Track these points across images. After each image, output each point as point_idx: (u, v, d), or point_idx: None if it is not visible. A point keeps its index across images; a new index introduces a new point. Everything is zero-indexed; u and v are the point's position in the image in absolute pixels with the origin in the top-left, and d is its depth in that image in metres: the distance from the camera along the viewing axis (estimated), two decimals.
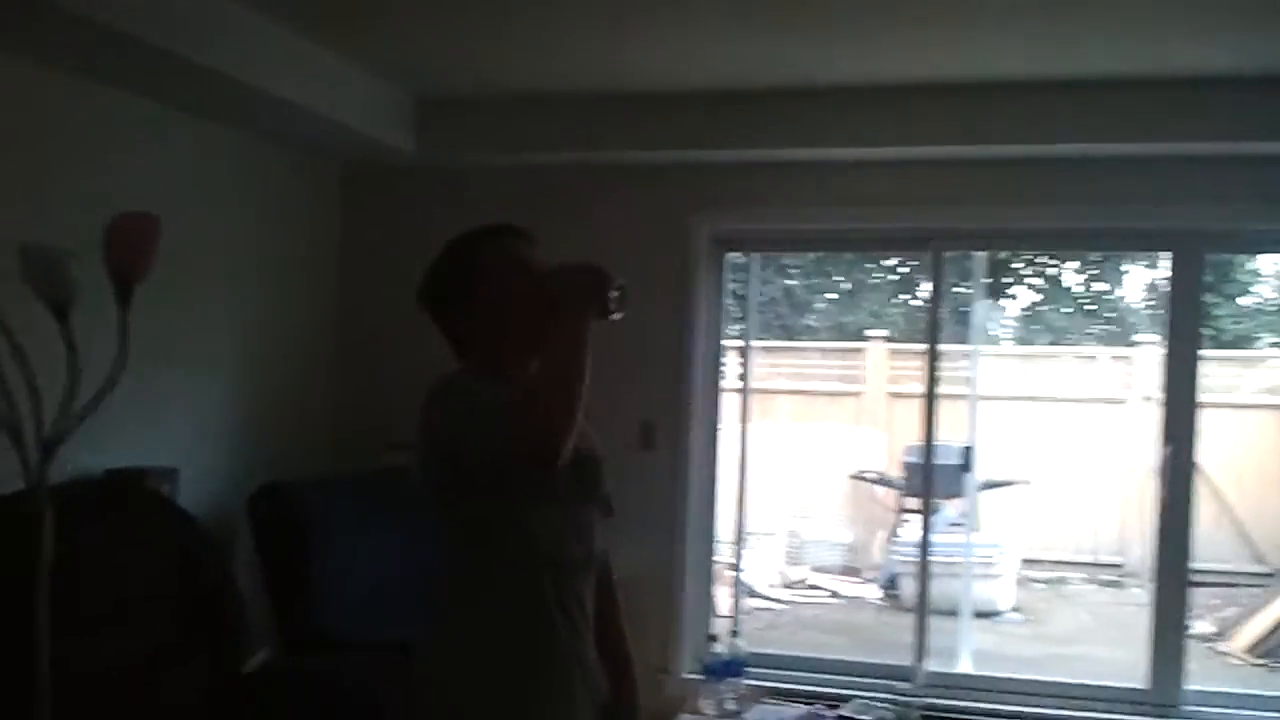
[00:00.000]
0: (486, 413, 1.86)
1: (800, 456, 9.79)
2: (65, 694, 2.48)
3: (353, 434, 4.53)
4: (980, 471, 8.12)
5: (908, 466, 8.86)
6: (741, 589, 5.29)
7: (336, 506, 3.91)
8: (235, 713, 3.13)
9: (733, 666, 4.24)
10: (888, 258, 11.40)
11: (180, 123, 3.78)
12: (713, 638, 4.36)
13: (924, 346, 4.62)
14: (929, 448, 4.59)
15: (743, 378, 5.06)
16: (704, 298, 4.56)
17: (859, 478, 9.95)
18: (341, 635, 3.59)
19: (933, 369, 4.52)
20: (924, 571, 4.61)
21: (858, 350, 11.09)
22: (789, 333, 11.82)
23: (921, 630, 4.45)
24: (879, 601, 8.84)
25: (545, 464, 1.81)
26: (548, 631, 1.98)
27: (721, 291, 4.70)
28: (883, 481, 9.74)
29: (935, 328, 4.55)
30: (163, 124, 3.70)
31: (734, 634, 4.42)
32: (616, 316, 1.96)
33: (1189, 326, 4.26)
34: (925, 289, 4.72)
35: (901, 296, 12.12)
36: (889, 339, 11.11)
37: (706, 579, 4.64)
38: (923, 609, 4.52)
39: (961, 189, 4.27)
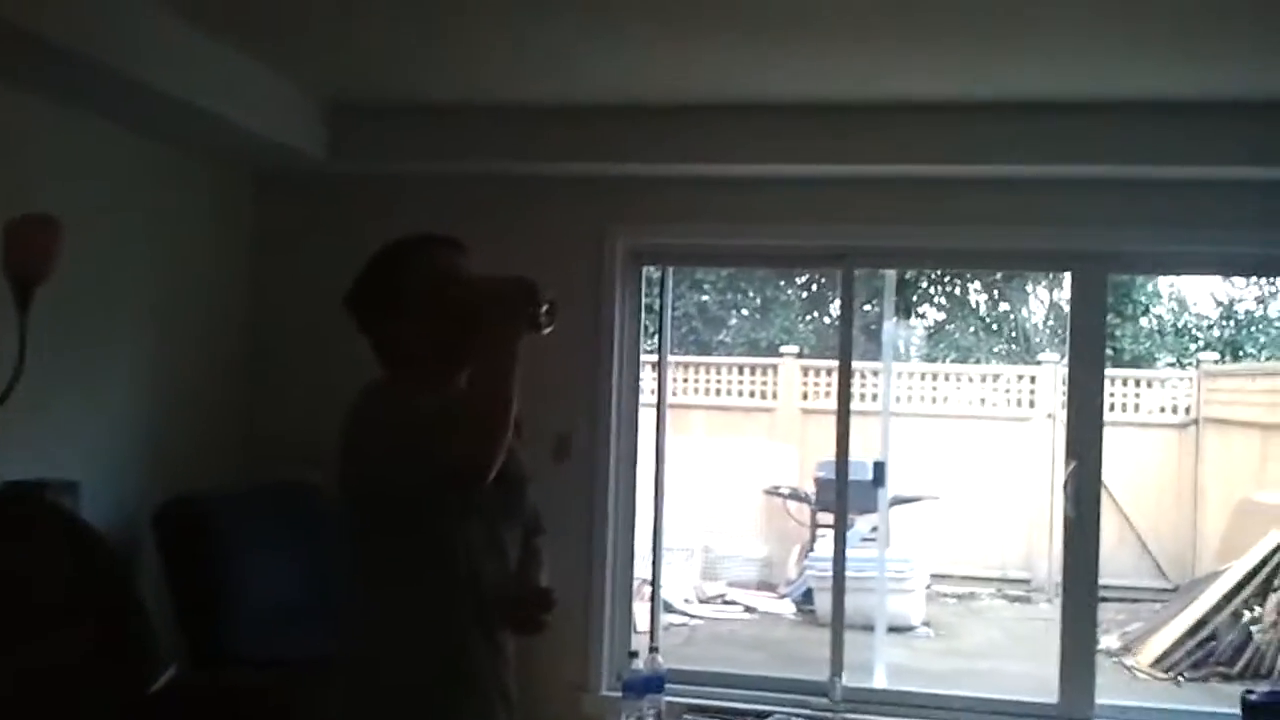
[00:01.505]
0: (411, 428, 1.83)
1: (715, 471, 9.83)
2: None
3: (263, 446, 4.44)
4: (891, 487, 8.25)
5: (820, 482, 8.94)
6: (660, 604, 5.27)
7: (245, 521, 3.83)
8: None
9: (653, 683, 4.23)
10: (801, 274, 11.54)
11: (84, 127, 3.66)
12: (633, 654, 4.35)
13: (835, 363, 4.68)
14: (842, 463, 4.64)
15: (658, 392, 5.06)
16: (620, 310, 4.55)
17: (773, 493, 10.03)
18: (250, 652, 3.51)
19: (845, 385, 4.57)
20: (839, 586, 4.64)
21: (771, 366, 11.20)
22: (703, 348, 11.89)
23: (837, 645, 4.49)
24: (794, 616, 8.89)
25: (472, 482, 1.79)
26: (466, 651, 1.96)
27: (638, 304, 4.70)
28: (796, 496, 9.83)
29: (847, 344, 4.60)
30: (64, 127, 3.58)
31: (653, 650, 4.41)
32: (546, 330, 1.96)
33: (1091, 345, 4.38)
34: (836, 306, 4.78)
35: (813, 313, 12.27)
36: (801, 355, 11.24)
37: (626, 594, 4.62)
38: (838, 624, 4.55)
39: (873, 207, 4.33)
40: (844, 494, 4.80)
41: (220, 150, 4.24)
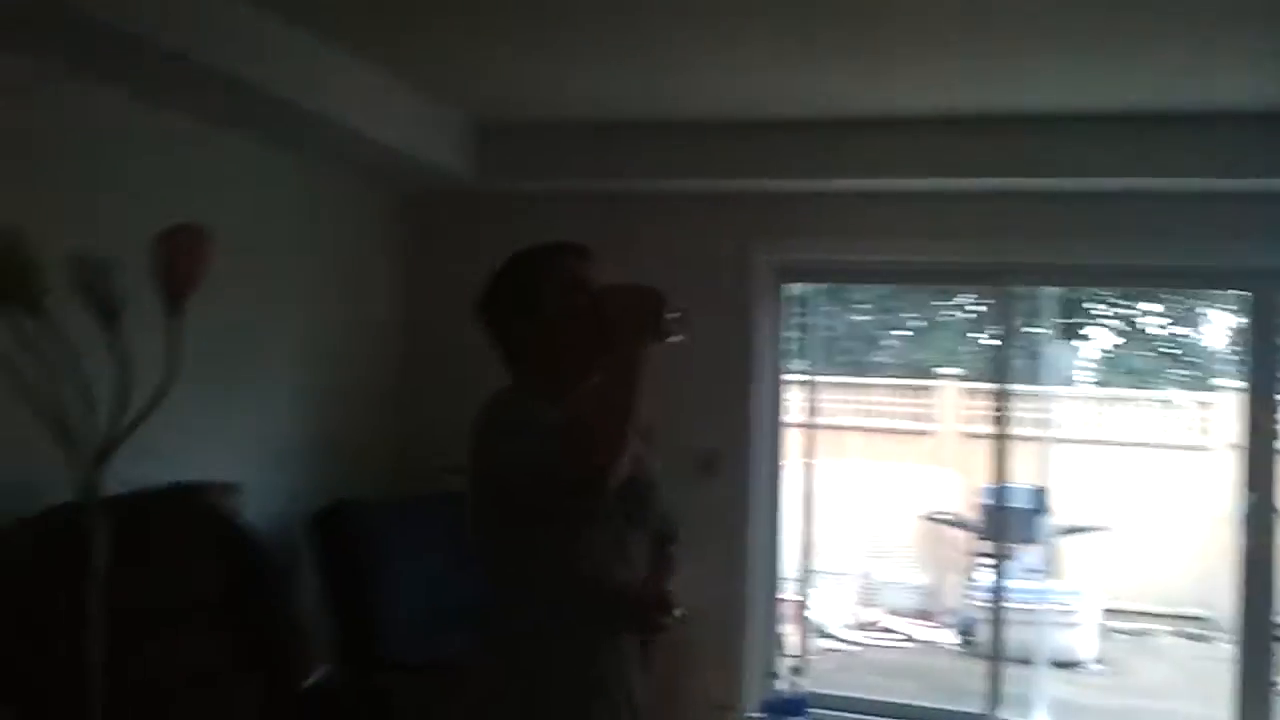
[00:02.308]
0: (535, 437, 1.83)
1: (872, 495, 9.58)
2: (121, 703, 2.49)
3: (416, 456, 4.55)
4: (1059, 516, 7.92)
5: (983, 509, 8.66)
6: (811, 628, 5.19)
7: (399, 527, 3.93)
8: None
9: (793, 705, 4.16)
10: (953, 293, 11.23)
11: (243, 147, 3.83)
12: (773, 675, 4.29)
13: (995, 386, 4.53)
14: (999, 490, 4.50)
15: (807, 411, 4.98)
16: (765, 327, 4.52)
17: (932, 519, 9.74)
18: (403, 654, 3.60)
19: (1002, 409, 4.43)
20: (998, 618, 4.49)
21: (930, 388, 10.90)
22: (859, 369, 11.64)
23: (996, 678, 4.33)
24: (954, 647, 8.61)
25: (590, 493, 1.79)
26: (590, 656, 1.96)
27: (783, 322, 4.66)
28: (956, 523, 9.51)
29: (1004, 366, 4.47)
30: (226, 148, 3.75)
31: (795, 672, 4.34)
32: (674, 340, 1.94)
33: (1269, 370, 4.13)
34: (996, 327, 4.64)
35: (975, 335, 11.92)
36: (962, 378, 10.92)
37: (770, 614, 4.56)
38: (997, 656, 4.40)
39: (1030, 223, 4.19)
40: (1001, 521, 4.65)
41: (371, 170, 4.39)
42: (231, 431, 3.80)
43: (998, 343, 4.59)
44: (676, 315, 1.92)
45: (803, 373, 5.20)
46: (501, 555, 1.96)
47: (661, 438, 4.02)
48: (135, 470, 2.93)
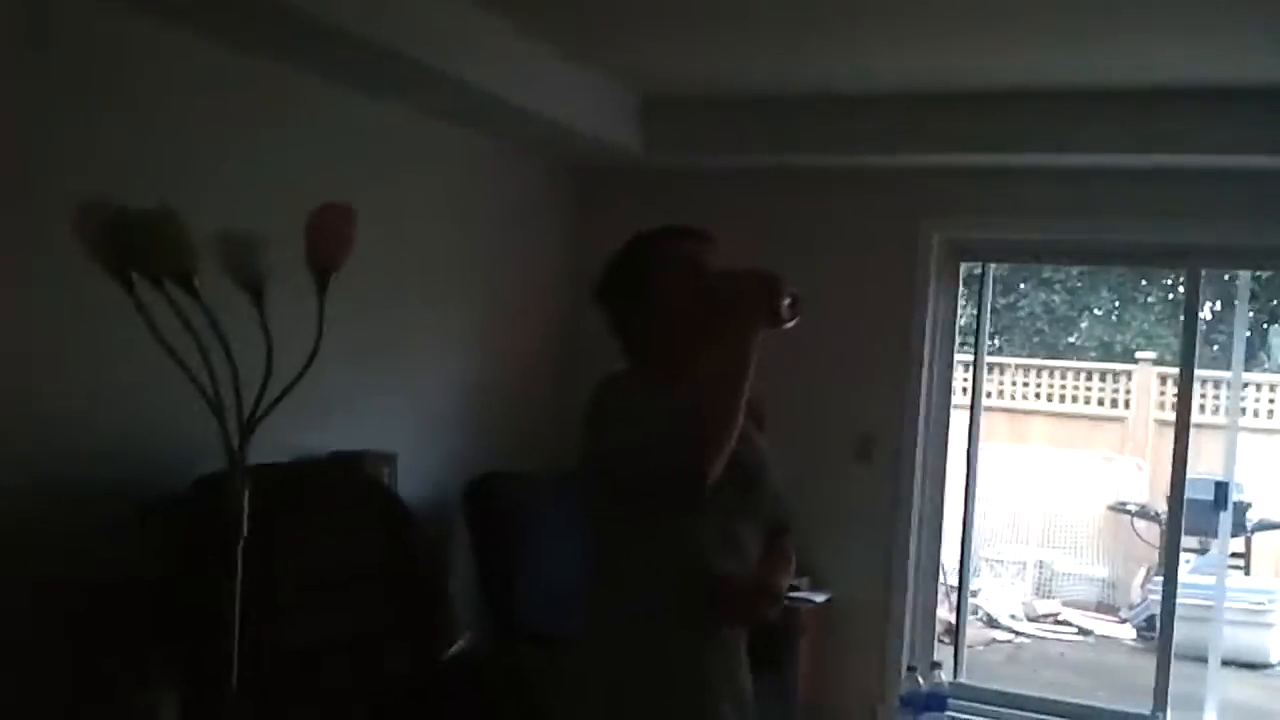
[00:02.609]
0: (642, 424, 1.83)
1: (1055, 483, 9.21)
2: (276, 670, 2.60)
3: (572, 430, 4.58)
4: (1254, 510, 7.46)
5: (1172, 500, 8.22)
6: (978, 618, 5.03)
7: (548, 501, 3.95)
8: (431, 697, 3.21)
9: (933, 701, 4.03)
10: (1154, 274, 10.63)
11: (413, 123, 3.87)
12: (911, 668, 4.16)
13: (1188, 371, 4.28)
14: (1178, 480, 4.26)
15: (975, 394, 4.80)
16: (935, 307, 4.38)
17: (1119, 509, 9.31)
18: (541, 627, 3.62)
19: (1185, 395, 4.19)
20: (1169, 612, 4.28)
21: (1124, 372, 10.36)
22: (1050, 350, 11.16)
23: (1163, 676, 4.12)
24: (1134, 643, 8.23)
25: (689, 487, 1.77)
26: (691, 649, 1.92)
27: (953, 301, 4.50)
28: (1144, 515, 9.08)
29: (1189, 350, 4.22)
30: (388, 121, 3.78)
31: (935, 666, 4.20)
32: (789, 325, 1.89)
33: None
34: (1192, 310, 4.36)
35: (1174, 318, 11.30)
36: (1159, 362, 10.35)
37: (927, 604, 4.45)
38: (1164, 654, 4.19)
39: (1221, 202, 3.91)
40: (1191, 514, 4.41)
41: (538, 143, 4.40)
42: (391, 402, 3.88)
43: (1193, 327, 4.32)
44: (791, 300, 1.87)
45: (987, 354, 5.03)
46: (605, 542, 1.95)
47: (816, 421, 3.96)
48: (297, 439, 3.13)
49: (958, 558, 4.75)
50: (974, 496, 4.67)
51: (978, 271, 4.67)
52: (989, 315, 4.79)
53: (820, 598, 4.20)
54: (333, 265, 2.35)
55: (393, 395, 3.90)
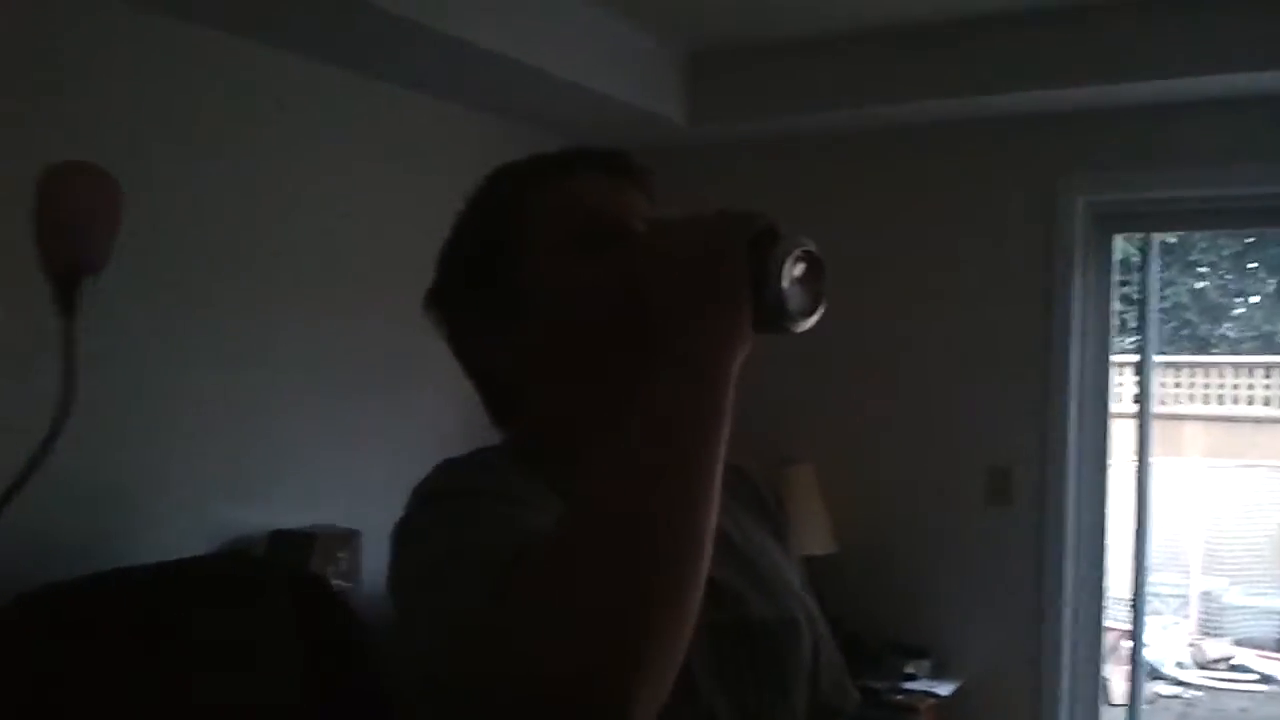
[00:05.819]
0: (486, 575, 0.78)
1: (1216, 499, 8.27)
2: None
3: None
4: None
5: None
6: (1142, 670, 4.39)
7: None
8: None
9: None
10: None
11: (418, 104, 3.30)
12: None
13: None
14: None
15: (1139, 401, 3.84)
16: (1081, 295, 3.48)
17: None
18: None
19: None
20: None
21: None
22: (1199, 345, 10.08)
23: None
24: None
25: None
26: None
27: (1106, 287, 3.55)
28: None
29: None
30: (413, 108, 3.28)
31: None
32: (806, 324, 0.87)
33: None
34: None
35: None
36: None
37: (1092, 661, 3.60)
38: None
39: None
40: None
41: (565, 126, 3.55)
42: (357, 461, 3.08)
43: None
44: (807, 265, 0.86)
45: (1131, 352, 4.24)
46: None
47: (930, 457, 3.12)
48: (231, 516, 2.69)
49: (1127, 601, 3.97)
50: (1147, 528, 3.66)
51: (1122, 253, 3.68)
52: (1140, 303, 3.81)
53: (945, 689, 3.36)
54: (87, 267, 1.39)
55: (359, 452, 3.06)
